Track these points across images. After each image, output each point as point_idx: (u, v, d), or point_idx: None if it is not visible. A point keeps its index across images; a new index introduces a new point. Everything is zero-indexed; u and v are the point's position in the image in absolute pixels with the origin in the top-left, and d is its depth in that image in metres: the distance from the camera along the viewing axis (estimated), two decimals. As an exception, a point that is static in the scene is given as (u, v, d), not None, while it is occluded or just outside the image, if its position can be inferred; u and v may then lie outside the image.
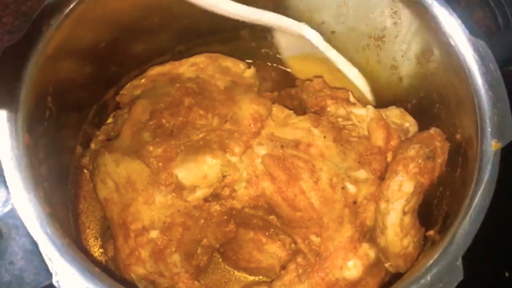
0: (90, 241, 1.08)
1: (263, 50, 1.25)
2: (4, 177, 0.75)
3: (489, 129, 0.84)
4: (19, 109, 0.79)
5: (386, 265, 0.92)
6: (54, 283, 0.70)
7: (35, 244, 0.78)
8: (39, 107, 0.86)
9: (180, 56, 1.11)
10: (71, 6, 0.87)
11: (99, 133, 1.06)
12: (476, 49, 0.88)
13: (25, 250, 0.80)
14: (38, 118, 0.85)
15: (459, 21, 0.90)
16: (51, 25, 0.86)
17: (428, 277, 0.76)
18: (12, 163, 0.75)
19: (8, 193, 0.75)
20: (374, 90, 1.12)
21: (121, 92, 1.08)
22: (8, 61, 0.81)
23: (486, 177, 0.81)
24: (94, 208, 1.09)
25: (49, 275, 0.77)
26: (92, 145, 1.04)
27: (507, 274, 1.21)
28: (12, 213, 0.81)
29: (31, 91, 0.82)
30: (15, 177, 0.75)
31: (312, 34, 1.07)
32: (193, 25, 1.12)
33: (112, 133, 1.04)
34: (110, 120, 1.14)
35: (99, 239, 1.07)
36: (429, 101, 1.00)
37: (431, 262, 0.77)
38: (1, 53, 0.81)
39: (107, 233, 0.99)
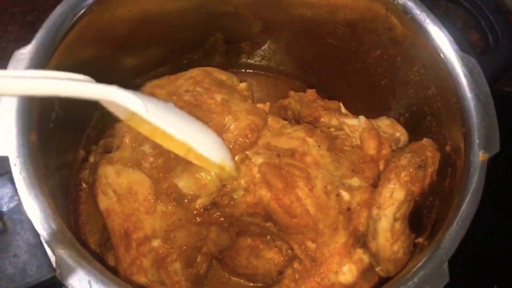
0: (89, 237, 1.08)
1: (242, 60, 1.28)
2: (11, 174, 0.76)
3: (477, 141, 0.86)
4: (27, 110, 0.81)
5: (377, 269, 0.93)
6: (57, 275, 0.71)
7: (38, 238, 0.80)
8: (46, 110, 0.87)
9: (179, 67, 1.13)
10: (75, 18, 0.89)
11: (97, 147, 1.06)
12: (465, 64, 0.91)
13: (29, 244, 0.81)
14: (45, 120, 0.87)
15: (450, 38, 0.93)
16: (57, 34, 0.88)
17: (416, 279, 0.77)
18: (18, 160, 0.77)
19: (15, 189, 0.76)
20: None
21: None
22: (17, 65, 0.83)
23: (473, 186, 0.83)
24: (95, 210, 1.07)
25: (51, 268, 0.79)
26: (91, 159, 1.04)
27: (495, 288, 1.21)
28: (18, 209, 0.82)
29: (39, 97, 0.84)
30: (22, 174, 0.76)
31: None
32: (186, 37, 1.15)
33: (111, 146, 1.03)
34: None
35: (98, 234, 1.08)
36: (421, 114, 1.02)
37: (418, 265, 0.79)
38: (11, 58, 0.83)
39: (107, 244, 0.99)
